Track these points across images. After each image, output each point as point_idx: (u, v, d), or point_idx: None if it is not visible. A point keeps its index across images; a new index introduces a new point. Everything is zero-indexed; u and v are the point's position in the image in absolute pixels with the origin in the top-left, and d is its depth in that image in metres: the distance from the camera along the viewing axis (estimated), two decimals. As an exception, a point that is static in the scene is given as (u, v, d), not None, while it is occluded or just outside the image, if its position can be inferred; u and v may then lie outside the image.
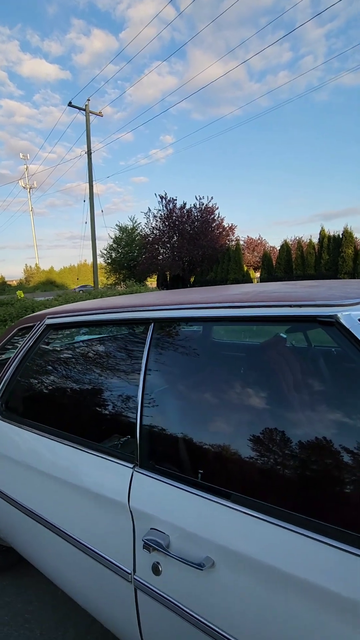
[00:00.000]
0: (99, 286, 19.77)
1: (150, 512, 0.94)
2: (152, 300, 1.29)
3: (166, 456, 1.04)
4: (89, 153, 18.93)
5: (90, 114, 18.72)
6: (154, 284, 24.92)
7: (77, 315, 1.51)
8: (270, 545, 0.75)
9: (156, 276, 24.72)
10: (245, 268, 20.68)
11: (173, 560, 0.85)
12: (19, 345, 1.67)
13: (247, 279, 19.48)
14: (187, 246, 20.05)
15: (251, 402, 1.15)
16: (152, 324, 1.21)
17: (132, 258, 24.57)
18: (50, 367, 1.58)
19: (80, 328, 1.67)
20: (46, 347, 1.64)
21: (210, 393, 1.18)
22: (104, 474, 1.07)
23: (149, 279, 25.10)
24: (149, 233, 22.45)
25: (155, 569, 0.89)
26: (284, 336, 1.78)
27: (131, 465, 1.04)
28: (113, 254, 25.62)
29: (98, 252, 20.66)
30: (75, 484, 1.12)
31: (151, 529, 0.92)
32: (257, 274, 23.24)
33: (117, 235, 25.57)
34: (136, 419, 1.08)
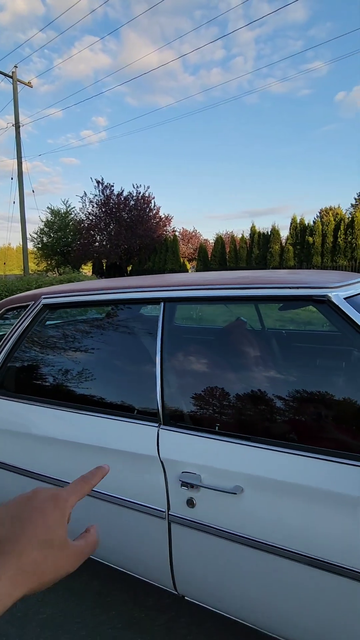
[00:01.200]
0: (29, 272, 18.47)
1: (179, 459, 1.12)
2: (162, 282, 1.43)
3: (186, 414, 1.22)
4: (17, 126, 17.40)
5: (18, 82, 17.16)
6: (89, 272, 24.12)
7: (78, 295, 1.58)
8: (281, 466, 0.99)
9: (92, 264, 23.94)
10: (181, 259, 21.17)
11: (208, 492, 1.05)
12: (13, 325, 1.67)
13: (184, 270, 20.00)
14: (124, 234, 19.77)
15: (248, 367, 1.39)
16: (163, 303, 1.36)
17: (65, 244, 23.35)
18: (55, 345, 1.63)
19: (78, 308, 1.73)
20: (42, 327, 1.67)
21: (216, 363, 1.38)
22: (131, 435, 1.22)
23: (83, 266, 24.17)
24: (84, 218, 21.57)
25: (190, 503, 1.07)
26: (244, 320, 2.07)
27: (156, 425, 1.20)
28: (44, 239, 24.05)
29: (27, 236, 19.20)
30: (104, 447, 1.24)
31: (183, 472, 1.10)
32: (191, 266, 23.96)
33: (49, 219, 24.03)
34: (156, 386, 1.24)
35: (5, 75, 16.78)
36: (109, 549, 1.30)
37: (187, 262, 24.75)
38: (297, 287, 1.18)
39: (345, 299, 1.12)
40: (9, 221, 24.61)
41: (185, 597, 1.25)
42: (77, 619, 1.56)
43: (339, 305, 1.10)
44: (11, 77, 16.93)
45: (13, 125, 17.54)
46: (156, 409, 1.23)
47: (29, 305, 1.68)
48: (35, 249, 24.81)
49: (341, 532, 0.92)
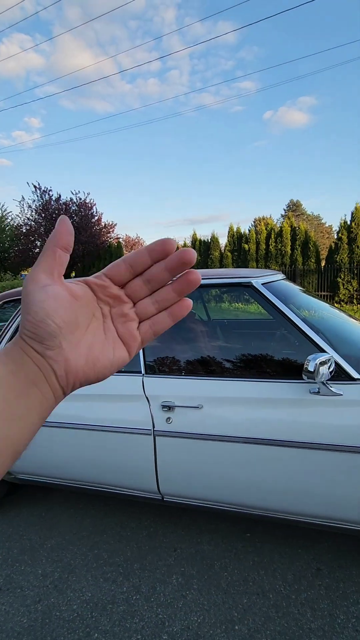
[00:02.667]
0: None
1: (159, 394, 1.65)
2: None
3: (160, 367, 1.76)
4: None
5: None
6: (30, 279, 23.16)
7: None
8: (223, 388, 1.58)
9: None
10: (126, 265, 21.51)
11: (182, 410, 1.59)
12: (10, 317, 2.06)
13: (129, 276, 20.22)
14: (66, 240, 19.58)
15: (199, 338, 1.98)
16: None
17: (2, 250, 22.32)
18: None
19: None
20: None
21: (178, 336, 1.94)
22: (125, 383, 1.72)
23: (23, 272, 23.26)
24: (21, 224, 20.88)
25: (168, 420, 1.61)
26: (194, 312, 2.69)
27: (140, 374, 1.72)
28: (-23, 244, 22.70)
29: None
30: (105, 394, 1.72)
31: (162, 402, 1.63)
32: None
33: (-18, 224, 22.77)
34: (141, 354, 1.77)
35: None
36: (110, 470, 1.77)
37: (131, 268, 25.08)
38: (232, 277, 1.79)
39: (262, 284, 1.76)
40: None
41: (165, 499, 1.77)
42: (78, 542, 1.99)
43: (258, 288, 1.73)
44: None
45: None
46: (139, 365, 1.75)
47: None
48: (-33, 254, 23.28)
49: (262, 420, 1.52)
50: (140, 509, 2.20)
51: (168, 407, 1.62)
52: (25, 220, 20.81)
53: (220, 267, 15.83)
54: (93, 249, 20.50)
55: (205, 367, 1.74)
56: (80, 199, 20.89)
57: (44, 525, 2.13)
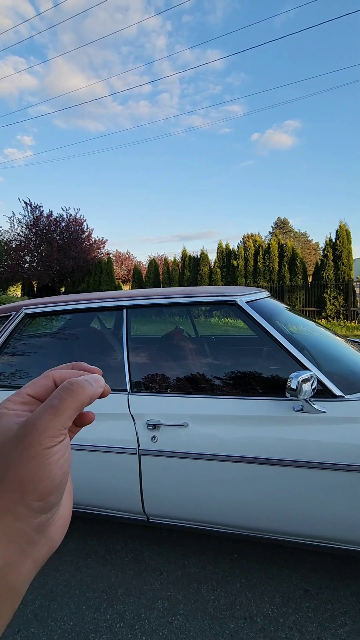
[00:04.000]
0: None
1: (144, 412, 1.65)
2: (123, 294, 1.98)
3: (145, 384, 1.76)
4: None
5: None
6: (19, 294, 23.07)
7: (55, 306, 2.03)
8: (208, 406, 1.59)
9: (20, 285, 22.99)
10: (116, 281, 21.60)
11: (167, 428, 1.58)
12: (-3, 332, 2.04)
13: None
14: (56, 256, 19.60)
15: (186, 355, 1.99)
16: (126, 310, 1.90)
17: (-10, 264, 22.16)
18: (35, 351, 2.03)
19: (55, 317, 2.17)
20: (25, 334, 2.07)
21: (165, 353, 1.95)
22: (108, 401, 1.70)
23: (11, 287, 23.08)
24: (11, 239, 20.88)
25: (153, 439, 1.60)
26: (181, 327, 2.71)
27: (126, 392, 1.72)
28: (-35, 259, 22.49)
29: None
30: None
31: (147, 420, 1.63)
32: (126, 287, 24.43)
33: (-29, 239, 22.65)
34: (125, 368, 1.76)
35: None
36: (94, 490, 1.74)
37: (121, 284, 25.17)
38: (217, 296, 1.82)
39: (246, 302, 1.79)
40: None
41: (150, 519, 1.74)
42: (61, 567, 1.92)
43: (242, 307, 1.76)
44: None
45: None
46: (124, 383, 1.74)
47: (10, 315, 2.07)
48: None
49: (248, 437, 1.53)
50: (125, 531, 2.15)
51: (153, 426, 1.61)
52: (15, 236, 20.81)
53: (209, 283, 15.99)
54: (83, 265, 20.54)
55: (191, 385, 1.75)
56: (71, 215, 21.06)
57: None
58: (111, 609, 1.64)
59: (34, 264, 20.38)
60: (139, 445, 1.62)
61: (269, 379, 1.71)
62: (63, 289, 21.55)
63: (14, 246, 20.40)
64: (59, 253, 19.74)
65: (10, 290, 23.24)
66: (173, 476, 1.60)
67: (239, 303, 1.76)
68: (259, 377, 1.76)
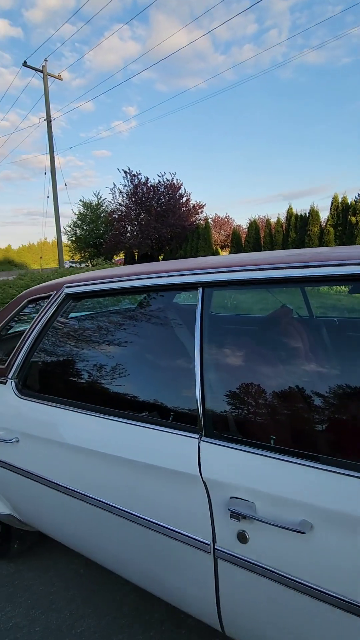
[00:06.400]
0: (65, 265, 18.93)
1: (226, 480, 0.90)
2: (200, 264, 1.20)
3: (234, 422, 1.00)
4: (49, 120, 17.61)
5: (48, 76, 17.29)
6: (122, 263, 24.29)
7: (102, 283, 1.39)
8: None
9: (123, 254, 24.08)
10: (214, 247, 20.74)
11: (265, 526, 0.82)
12: (34, 318, 1.53)
13: (216, 258, 19.44)
14: (154, 224, 19.62)
15: (307, 361, 1.13)
16: (202, 289, 1.14)
17: (97, 235, 23.63)
18: (80, 341, 1.46)
19: (102, 298, 1.55)
20: (66, 319, 1.51)
21: (268, 358, 1.14)
22: (166, 447, 1.01)
23: (115, 257, 24.39)
24: (114, 209, 21.66)
25: (242, 537, 0.85)
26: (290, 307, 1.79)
27: (196, 436, 0.99)
28: (77, 232, 24.49)
29: (61, 229, 19.61)
30: (134, 459, 1.05)
31: (231, 497, 0.88)
32: (224, 253, 23.38)
33: (82, 212, 24.40)
34: (195, 388, 1.02)
35: (36, 69, 16.95)
36: (143, 575, 1.12)
37: (219, 249, 24.22)
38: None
39: None
40: (43, 216, 25.28)
41: (227, 634, 1.05)
42: (117, 635, 1.42)
43: None
44: (41, 71, 17.09)
45: (45, 120, 17.77)
46: (196, 415, 1.01)
47: (50, 295, 1.52)
48: (70, 242, 25.37)
49: None
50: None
51: (242, 516, 0.85)
52: (117, 206, 21.51)
53: (319, 245, 13.89)
54: (180, 231, 20.19)
55: (325, 439, 0.92)
56: (168, 180, 20.61)
57: (41, 600, 1.63)
58: None
59: (134, 233, 20.89)
60: (214, 540, 0.91)
61: None
62: (161, 257, 21.78)
63: (116, 216, 21.16)
64: (157, 221, 19.72)
65: (115, 259, 24.66)
66: (276, 609, 0.85)
67: None
68: None
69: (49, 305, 1.49)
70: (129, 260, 23.83)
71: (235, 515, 0.84)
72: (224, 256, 1.49)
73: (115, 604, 1.56)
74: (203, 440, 0.97)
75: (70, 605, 1.58)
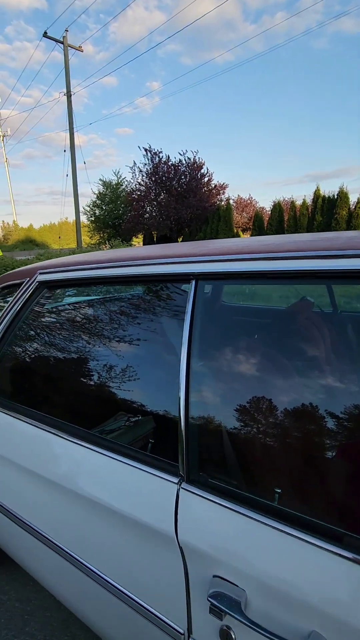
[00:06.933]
0: (83, 246, 18.80)
1: (210, 551, 0.65)
2: (195, 250, 0.93)
3: (229, 466, 0.75)
4: (69, 94, 17.13)
5: (69, 47, 16.70)
6: (140, 244, 23.96)
7: (79, 270, 1.13)
8: None
9: (142, 236, 23.70)
10: (235, 229, 20.05)
11: (257, 632, 0.57)
12: (4, 309, 1.30)
13: (237, 241, 18.79)
14: (174, 205, 19.05)
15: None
16: (195, 281, 0.86)
17: (116, 216, 23.27)
18: (49, 337, 1.22)
19: (83, 287, 1.29)
20: (41, 310, 1.27)
21: (290, 375, 0.86)
22: (137, 490, 0.77)
23: (134, 238, 24.03)
24: (134, 189, 21.15)
25: (226, 636, 0.61)
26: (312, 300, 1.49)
27: (175, 480, 0.74)
28: (97, 211, 24.19)
29: (81, 209, 19.37)
30: (99, 501, 0.82)
31: (214, 576, 0.64)
32: (245, 236, 22.62)
33: (101, 191, 24.00)
34: (180, 412, 0.77)
35: (56, 40, 16.39)
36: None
37: (241, 232, 23.46)
38: None
39: None
40: (62, 195, 25.05)
41: None
42: None
43: None
44: (62, 42, 16.51)
45: (65, 95, 17.30)
46: (176, 450, 0.76)
47: (23, 282, 1.28)
48: (89, 222, 25.14)
49: None
50: None
51: (226, 611, 0.60)
52: (137, 186, 20.98)
53: (347, 229, 13.14)
54: (201, 213, 19.54)
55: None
56: (189, 158, 19.82)
57: (14, 619, 1.47)
58: None
59: (154, 214, 20.41)
60: (190, 631, 0.67)
61: None
62: (180, 239, 21.30)
63: (136, 196, 20.68)
64: (177, 202, 19.15)
65: (134, 241, 24.36)
66: None
67: None
68: None
69: (19, 294, 1.26)
70: (148, 242, 23.46)
71: (215, 610, 0.60)
72: (228, 240, 1.20)
73: (94, 636, 1.38)
74: (183, 488, 0.72)
75: (45, 629, 1.42)
